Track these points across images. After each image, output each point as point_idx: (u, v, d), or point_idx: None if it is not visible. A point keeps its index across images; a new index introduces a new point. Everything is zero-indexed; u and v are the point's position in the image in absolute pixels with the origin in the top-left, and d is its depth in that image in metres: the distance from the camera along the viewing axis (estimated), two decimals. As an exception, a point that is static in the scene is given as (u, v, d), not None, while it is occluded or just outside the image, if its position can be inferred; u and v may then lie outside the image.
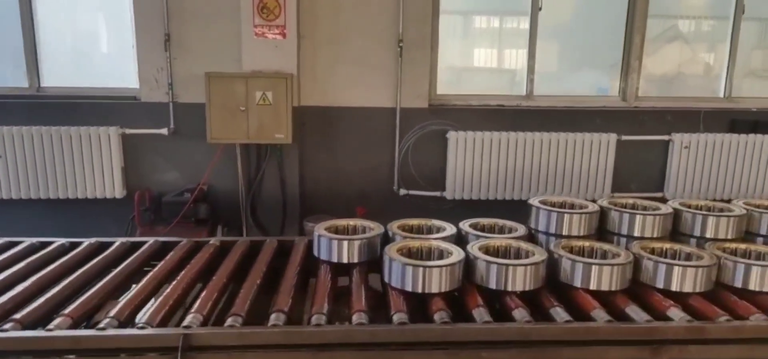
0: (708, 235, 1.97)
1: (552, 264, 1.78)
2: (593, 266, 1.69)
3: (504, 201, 4.79)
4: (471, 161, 4.67)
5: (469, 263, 1.75)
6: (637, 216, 1.97)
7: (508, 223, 2.13)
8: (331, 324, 1.52)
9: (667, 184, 4.94)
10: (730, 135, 4.87)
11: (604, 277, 1.69)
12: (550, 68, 5.26)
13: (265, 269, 1.88)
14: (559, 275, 1.76)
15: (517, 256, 1.84)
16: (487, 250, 1.83)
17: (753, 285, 1.70)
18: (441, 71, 4.90)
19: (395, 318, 1.54)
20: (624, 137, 4.79)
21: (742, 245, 1.89)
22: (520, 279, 1.68)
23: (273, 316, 1.51)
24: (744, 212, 2.01)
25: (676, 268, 1.69)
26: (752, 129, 4.91)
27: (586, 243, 1.90)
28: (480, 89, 5.03)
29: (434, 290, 1.66)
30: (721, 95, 5.21)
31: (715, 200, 4.33)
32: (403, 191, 4.85)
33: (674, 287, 1.69)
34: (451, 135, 4.64)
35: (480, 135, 4.64)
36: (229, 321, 1.48)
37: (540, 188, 4.76)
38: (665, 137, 4.87)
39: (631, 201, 2.18)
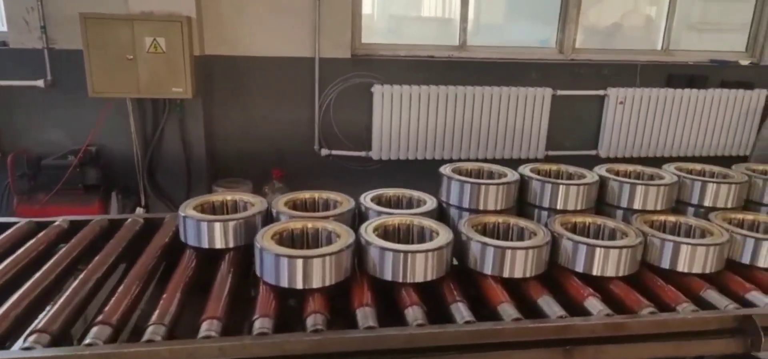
0: (635, 206, 1.78)
1: (460, 247, 1.53)
2: (506, 251, 1.45)
3: (434, 161, 4.57)
4: (399, 118, 4.39)
5: (361, 249, 1.47)
6: (560, 186, 1.76)
7: (418, 194, 1.86)
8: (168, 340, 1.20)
9: (601, 141, 4.88)
10: (666, 90, 4.85)
11: (518, 263, 1.46)
12: (495, 19, 5.01)
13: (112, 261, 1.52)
14: (467, 260, 1.52)
15: (420, 238, 1.58)
16: (384, 231, 1.55)
17: (681, 266, 1.53)
18: (378, 19, 4.53)
19: (256, 325, 1.25)
20: (559, 92, 4.66)
21: (672, 218, 1.73)
22: (420, 268, 1.42)
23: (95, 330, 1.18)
24: (674, 179, 1.83)
25: (597, 250, 1.48)
26: (689, 83, 4.91)
27: (501, 220, 1.66)
28: (417, 40, 4.71)
29: (315, 285, 1.37)
30: (659, 47, 5.16)
31: (646, 159, 4.22)
32: (325, 151, 4.52)
33: (595, 271, 1.49)
34: (377, 89, 4.32)
35: (408, 89, 4.35)
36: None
37: (472, 147, 4.57)
38: (601, 92, 4.78)
39: (554, 168, 1.96)
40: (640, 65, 4.87)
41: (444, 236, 1.50)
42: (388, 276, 1.43)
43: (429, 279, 1.44)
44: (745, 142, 5.12)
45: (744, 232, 1.62)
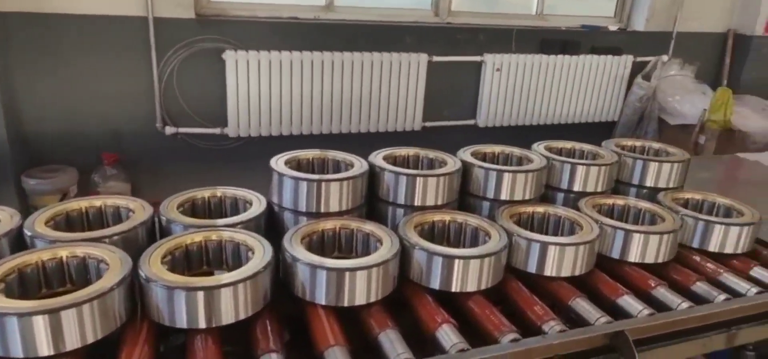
0: (503, 196, 1.59)
1: (287, 272, 1.22)
2: (334, 273, 1.16)
3: (302, 137, 4.22)
4: (257, 89, 3.95)
5: (141, 287, 1.10)
6: (418, 180, 1.50)
7: (243, 193, 1.51)
8: None
9: (480, 110, 4.85)
10: (541, 56, 4.91)
11: (359, 286, 1.17)
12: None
13: None
14: (292, 287, 1.21)
15: (218, 261, 1.25)
16: (172, 257, 1.18)
17: (549, 270, 1.36)
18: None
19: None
20: (436, 58, 4.50)
21: (540, 210, 1.56)
22: (227, 308, 1.08)
23: None
24: (543, 163, 1.66)
25: (456, 262, 1.24)
26: (562, 49, 5.02)
27: (340, 224, 1.37)
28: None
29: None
30: (534, 11, 5.21)
31: (523, 128, 4.18)
32: (170, 130, 3.95)
33: (454, 287, 1.26)
34: (229, 56, 3.83)
35: (267, 56, 3.91)
36: None
37: (343, 120, 4.27)
38: (478, 58, 4.71)
39: (412, 152, 1.72)
40: (516, 30, 4.87)
41: (258, 258, 1.17)
42: (166, 320, 1.07)
43: (242, 317, 1.11)
44: (615, 108, 5.40)
45: (614, 223, 1.49)
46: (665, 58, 5.58)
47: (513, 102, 4.89)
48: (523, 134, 5.01)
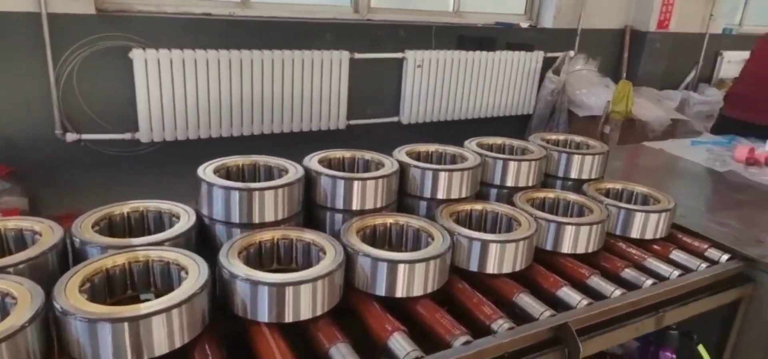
0: (440, 195, 1.59)
1: (225, 290, 1.13)
2: (276, 289, 1.10)
3: (221, 140, 4.03)
4: (171, 90, 3.72)
5: (56, 322, 0.98)
6: (356, 183, 1.46)
7: (168, 206, 1.39)
8: None
9: (403, 107, 4.89)
10: (460, 52, 5.03)
11: (304, 300, 1.12)
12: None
13: None
14: (231, 305, 1.13)
15: (145, 285, 1.15)
16: (91, 285, 1.07)
17: (491, 268, 1.38)
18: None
19: None
20: (357, 55, 4.48)
21: (478, 207, 1.58)
22: (160, 337, 0.98)
23: None
24: (478, 160, 1.68)
25: (401, 267, 1.22)
26: (478, 45, 5.17)
27: (279, 235, 1.30)
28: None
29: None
30: (451, 9, 5.33)
31: (445, 123, 4.25)
32: (72, 137, 3.62)
33: (400, 292, 1.24)
34: (137, 55, 3.57)
35: (180, 55, 3.69)
36: None
37: (265, 120, 4.13)
38: (399, 55, 4.75)
39: (348, 155, 1.68)
40: (435, 27, 4.95)
41: (193, 280, 1.08)
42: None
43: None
44: (529, 101, 5.66)
45: (547, 217, 1.54)
46: (572, 53, 5.93)
47: (435, 98, 4.98)
48: (445, 130, 5.13)
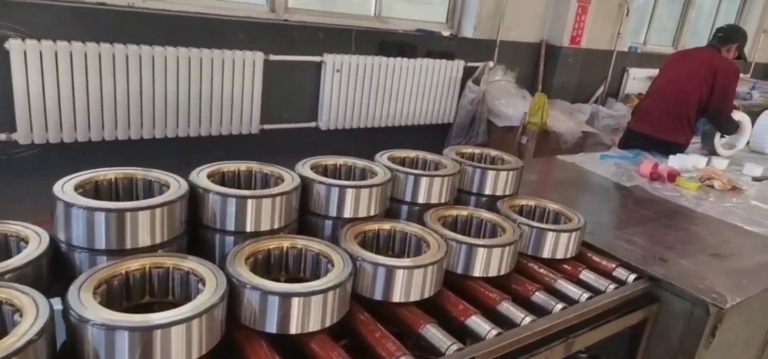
0: (346, 214, 1.48)
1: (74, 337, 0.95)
2: (138, 334, 0.93)
3: (116, 143, 3.69)
4: (55, 86, 3.35)
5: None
6: (249, 202, 1.32)
7: (16, 229, 1.18)
8: None
9: (321, 112, 4.75)
10: (381, 58, 4.97)
11: (176, 343, 0.96)
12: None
13: None
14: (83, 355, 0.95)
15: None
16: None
17: (397, 296, 1.28)
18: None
19: None
20: (272, 57, 4.29)
21: (386, 226, 1.48)
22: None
23: None
24: (388, 175, 1.59)
25: (294, 301, 1.09)
26: (399, 52, 5.14)
27: (151, 263, 1.13)
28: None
29: None
30: (372, 13, 5.26)
31: (364, 131, 4.17)
32: (-68, 137, 3.16)
33: (294, 328, 1.11)
34: (14, 45, 3.19)
35: (67, 47, 3.34)
36: None
37: (169, 122, 3.84)
38: (317, 58, 4.61)
39: (244, 168, 1.53)
40: (355, 31, 4.86)
41: (27, 319, 0.89)
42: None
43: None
44: (450, 110, 5.70)
45: (458, 237, 1.47)
46: (491, 64, 6.06)
47: (354, 104, 4.88)
48: (365, 137, 5.05)
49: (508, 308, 1.36)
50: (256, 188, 1.51)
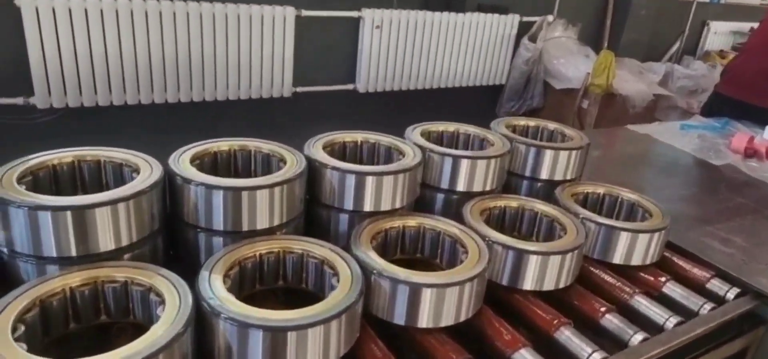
0: (366, 207, 1.22)
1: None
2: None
3: (139, 107, 3.56)
4: (71, 46, 3.22)
5: None
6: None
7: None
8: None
9: (359, 73, 4.47)
10: (425, 13, 4.62)
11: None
12: None
13: None
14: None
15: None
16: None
17: (425, 320, 1.01)
18: None
19: None
20: (304, 13, 4.02)
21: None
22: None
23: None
24: (417, 158, 1.31)
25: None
26: (446, 6, 4.77)
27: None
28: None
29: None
30: (416, -38, 4.89)
31: (406, 93, 3.88)
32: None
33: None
34: (25, 2, 3.04)
35: (81, 3, 3.18)
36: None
37: (194, 84, 3.66)
38: (355, 13, 4.30)
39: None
40: (397, -18, 4.52)
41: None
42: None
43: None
44: (502, 70, 5.30)
45: (504, 240, 1.18)
46: (550, 18, 5.58)
47: (395, 64, 4.57)
48: (407, 101, 4.75)
49: (569, 338, 1.07)
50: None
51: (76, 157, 1.14)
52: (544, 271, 1.16)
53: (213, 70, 3.72)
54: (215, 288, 0.90)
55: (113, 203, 0.96)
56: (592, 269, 1.31)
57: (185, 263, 1.12)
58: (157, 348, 0.77)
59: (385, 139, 1.43)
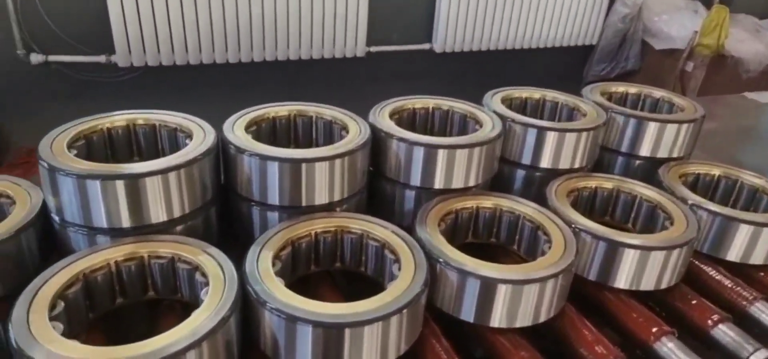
0: (436, 185, 1.11)
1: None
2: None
3: (214, 66, 3.59)
4: (150, 7, 3.28)
5: None
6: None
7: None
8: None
9: (436, 31, 4.28)
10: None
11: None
12: None
13: None
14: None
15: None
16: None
17: (497, 319, 0.90)
18: None
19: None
20: (379, -33, 3.88)
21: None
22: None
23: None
24: (496, 128, 1.17)
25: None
26: (533, -42, 4.44)
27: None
28: None
29: None
30: None
31: (486, 54, 3.66)
32: (38, 58, 3.27)
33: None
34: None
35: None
36: None
37: (267, 43, 3.65)
38: (433, -34, 4.11)
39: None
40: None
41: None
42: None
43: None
44: (593, 29, 4.91)
45: (594, 228, 1.03)
46: (653, -31, 5.07)
47: (476, 22, 4.33)
48: (488, 62, 4.51)
49: (671, 351, 0.92)
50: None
51: (130, 120, 1.11)
52: (642, 268, 1.00)
53: (286, 28, 3.68)
54: (263, 272, 0.83)
55: (164, 172, 0.91)
56: (702, 267, 1.13)
57: (239, 237, 1.07)
58: (198, 336, 0.71)
59: (459, 106, 1.30)
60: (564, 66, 4.90)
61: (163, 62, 3.47)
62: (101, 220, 0.90)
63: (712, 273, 1.11)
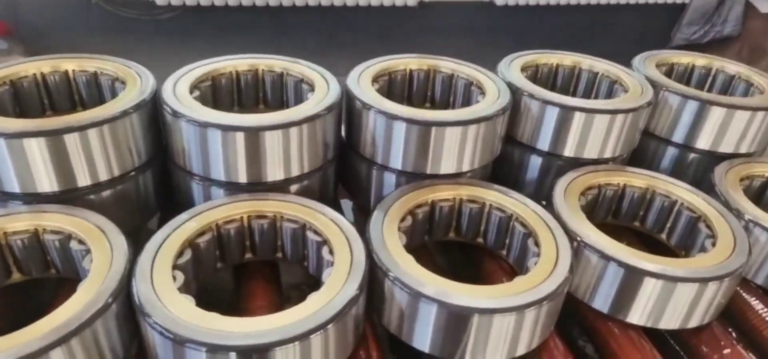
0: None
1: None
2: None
3: (253, 9, 3.48)
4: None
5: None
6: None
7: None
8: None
9: None
10: None
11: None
12: None
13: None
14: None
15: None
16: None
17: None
18: None
19: None
20: None
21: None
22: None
23: None
24: (504, 100, 0.96)
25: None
26: None
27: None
28: None
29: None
30: None
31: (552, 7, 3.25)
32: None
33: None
34: None
35: None
36: None
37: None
38: None
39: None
40: None
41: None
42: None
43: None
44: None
45: (608, 250, 0.82)
46: None
47: None
48: (556, 19, 4.15)
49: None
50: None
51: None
52: (665, 301, 0.79)
53: None
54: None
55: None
56: (749, 297, 0.90)
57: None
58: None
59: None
60: (646, 28, 4.44)
61: (201, 2, 3.40)
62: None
63: (758, 306, 0.88)
